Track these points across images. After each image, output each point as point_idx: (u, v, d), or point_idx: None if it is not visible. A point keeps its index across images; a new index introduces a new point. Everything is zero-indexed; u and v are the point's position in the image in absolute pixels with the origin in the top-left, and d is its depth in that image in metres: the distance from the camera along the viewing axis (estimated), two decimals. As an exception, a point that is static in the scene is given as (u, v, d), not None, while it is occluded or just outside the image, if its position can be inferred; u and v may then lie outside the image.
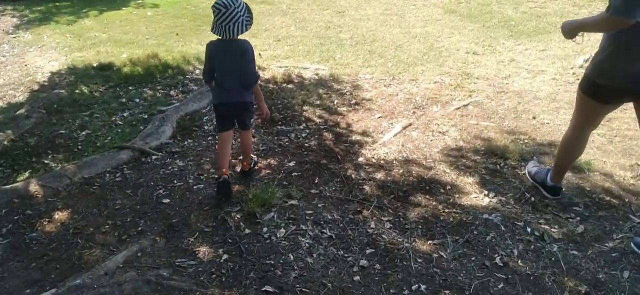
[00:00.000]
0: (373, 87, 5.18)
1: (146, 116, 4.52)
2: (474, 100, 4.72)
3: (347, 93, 5.05)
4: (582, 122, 2.84)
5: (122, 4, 9.52)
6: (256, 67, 3.12)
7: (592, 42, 5.98)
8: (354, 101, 4.85)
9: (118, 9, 9.07)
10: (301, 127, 4.34)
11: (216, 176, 3.26)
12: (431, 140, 4.03)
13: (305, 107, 4.72)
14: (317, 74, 5.60)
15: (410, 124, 4.30)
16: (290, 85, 5.27)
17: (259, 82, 3.25)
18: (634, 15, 2.29)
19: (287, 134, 4.19)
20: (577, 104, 2.82)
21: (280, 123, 4.41)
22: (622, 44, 2.46)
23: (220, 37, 2.93)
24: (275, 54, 6.27)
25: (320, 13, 8.25)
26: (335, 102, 4.82)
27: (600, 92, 2.61)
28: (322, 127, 4.33)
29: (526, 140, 3.96)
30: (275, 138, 4.13)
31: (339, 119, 4.47)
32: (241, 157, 3.53)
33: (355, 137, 4.11)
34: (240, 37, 2.95)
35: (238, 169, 3.52)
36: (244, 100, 3.11)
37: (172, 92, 5.18)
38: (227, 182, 3.12)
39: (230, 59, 2.98)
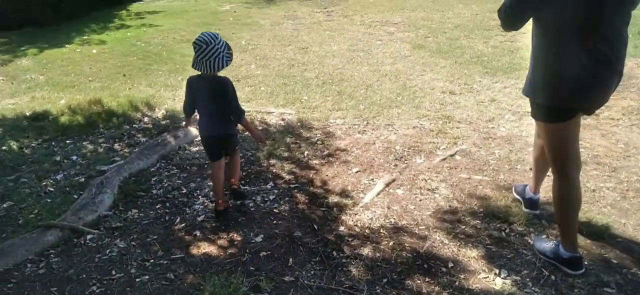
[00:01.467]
0: (346, 134, 4.63)
1: (83, 179, 3.81)
2: (460, 148, 4.24)
3: (319, 142, 4.48)
4: (559, 159, 2.59)
5: (66, 41, 8.73)
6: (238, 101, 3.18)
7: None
8: (326, 152, 4.28)
9: (61, 46, 8.27)
10: (268, 186, 3.73)
11: (214, 207, 3.33)
12: (420, 200, 3.49)
13: (272, 161, 4.11)
14: (283, 119, 5.02)
15: (393, 180, 3.76)
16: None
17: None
18: (514, 27, 2.52)
19: (253, 197, 3.56)
20: (545, 140, 2.64)
21: (243, 182, 3.79)
22: (549, 64, 2.43)
23: (200, 73, 3.02)
24: (235, 96, 5.65)
25: (282, 49, 7.72)
26: (306, 154, 4.23)
27: (558, 112, 2.48)
28: (293, 185, 3.74)
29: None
30: (239, 202, 3.49)
31: (312, 175, 3.88)
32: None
33: (332, 199, 3.53)
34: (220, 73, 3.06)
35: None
36: (226, 133, 3.22)
37: (116, 146, 4.47)
38: (226, 213, 3.27)
39: (210, 94, 3.07)
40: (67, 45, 8.25)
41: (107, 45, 8.17)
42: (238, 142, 3.40)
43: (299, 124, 4.89)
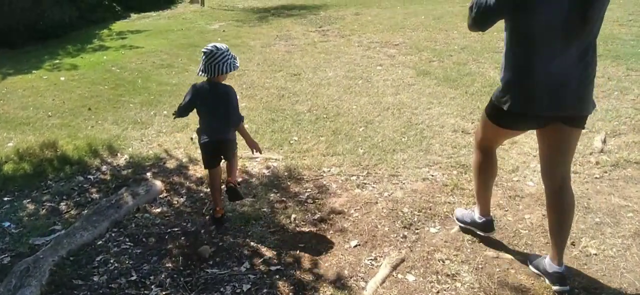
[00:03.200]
0: (343, 189, 3.85)
1: (8, 259, 3.02)
2: (482, 212, 3.45)
3: (309, 200, 3.70)
4: (485, 142, 2.88)
5: (35, 65, 7.98)
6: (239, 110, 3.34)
7: (610, 117, 4.96)
8: (318, 215, 3.50)
9: (27, 72, 7.50)
10: (242, 269, 2.94)
11: (212, 214, 3.47)
12: (438, 293, 2.70)
13: (249, 231, 3.32)
14: (267, 167, 4.23)
15: (402, 260, 2.97)
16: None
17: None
18: (481, 28, 2.55)
19: (220, 288, 2.77)
20: (480, 125, 2.87)
21: (211, 261, 3.00)
22: (517, 69, 2.46)
23: (207, 79, 3.20)
24: (214, 137, 4.86)
25: (271, 76, 6.95)
26: (293, 219, 3.45)
27: (501, 116, 2.61)
28: (274, 268, 2.95)
29: (577, 289, 2.68)
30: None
31: (299, 252, 3.09)
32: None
33: (324, 290, 2.74)
34: (225, 81, 3.28)
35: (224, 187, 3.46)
36: (227, 138, 3.32)
37: (62, 206, 3.68)
38: (223, 219, 3.41)
39: (215, 100, 3.22)
40: (34, 71, 7.47)
41: (78, 71, 7.38)
42: (236, 147, 3.45)
43: (286, 173, 4.11)
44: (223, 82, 3.25)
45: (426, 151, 4.45)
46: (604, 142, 4.43)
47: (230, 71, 3.19)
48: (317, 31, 9.87)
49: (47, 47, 9.52)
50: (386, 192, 3.76)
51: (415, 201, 3.61)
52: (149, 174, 4.08)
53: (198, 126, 3.36)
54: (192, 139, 4.71)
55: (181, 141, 4.71)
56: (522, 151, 4.38)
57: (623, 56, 6.76)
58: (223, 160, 3.43)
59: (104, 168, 4.24)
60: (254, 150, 3.40)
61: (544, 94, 2.39)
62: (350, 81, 6.58)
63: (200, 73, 3.18)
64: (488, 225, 3.05)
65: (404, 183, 3.90)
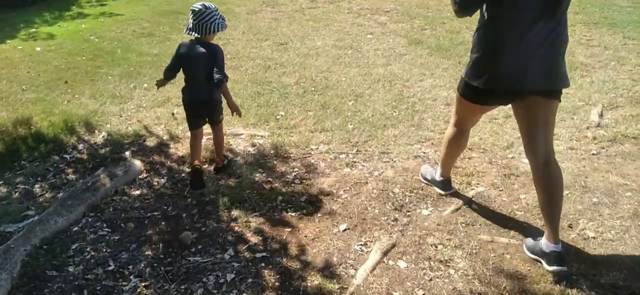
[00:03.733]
0: (331, 168, 3.69)
1: (-24, 248, 2.82)
2: (476, 192, 3.32)
3: (296, 180, 3.54)
4: (461, 121, 2.91)
5: (9, 35, 7.60)
6: (225, 70, 3.28)
7: (607, 89, 4.83)
8: (305, 197, 3.35)
9: (1, 42, 7.15)
10: (226, 256, 2.80)
11: (189, 169, 3.46)
12: (431, 280, 2.58)
13: (234, 213, 3.17)
14: (253, 145, 4.06)
15: (393, 245, 2.84)
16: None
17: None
18: (467, 12, 2.50)
19: (203, 278, 2.63)
20: (455, 103, 2.87)
21: (193, 249, 2.85)
22: (490, 45, 2.46)
23: (195, 37, 3.18)
24: (197, 112, 4.66)
25: (258, 45, 6.70)
26: (279, 201, 3.29)
27: (474, 94, 2.60)
28: (259, 255, 2.81)
29: (575, 276, 2.57)
30: (182, 287, 2.56)
31: (286, 236, 2.96)
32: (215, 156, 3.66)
33: (312, 279, 2.61)
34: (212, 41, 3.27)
35: (212, 167, 3.64)
36: (212, 98, 3.33)
37: (36, 188, 3.50)
38: (200, 171, 3.33)
39: (201, 60, 3.17)
40: (8, 41, 7.12)
41: (54, 41, 7.05)
42: (222, 112, 3.46)
43: (272, 151, 3.94)
44: (210, 42, 3.27)
45: (418, 126, 4.30)
46: (601, 115, 4.31)
47: (219, 31, 3.23)
48: (305, -3, 9.54)
49: (23, 14, 9.11)
50: (376, 171, 3.62)
51: (407, 181, 3.47)
52: (127, 153, 3.89)
53: (183, 85, 3.36)
54: (173, 114, 4.51)
55: (162, 116, 4.50)
56: (517, 126, 4.22)
57: (619, 24, 6.59)
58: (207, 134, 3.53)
59: (80, 146, 4.04)
60: (234, 113, 3.42)
61: (515, 69, 2.40)
62: (340, 51, 6.36)
63: (188, 31, 3.19)
64: (446, 184, 3.25)
65: (394, 161, 3.76)
